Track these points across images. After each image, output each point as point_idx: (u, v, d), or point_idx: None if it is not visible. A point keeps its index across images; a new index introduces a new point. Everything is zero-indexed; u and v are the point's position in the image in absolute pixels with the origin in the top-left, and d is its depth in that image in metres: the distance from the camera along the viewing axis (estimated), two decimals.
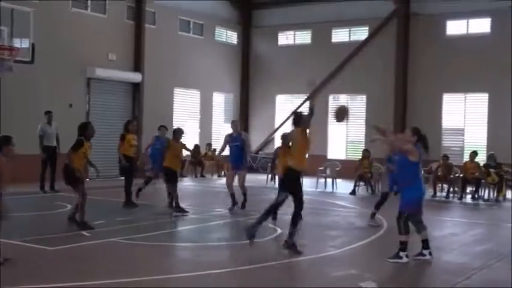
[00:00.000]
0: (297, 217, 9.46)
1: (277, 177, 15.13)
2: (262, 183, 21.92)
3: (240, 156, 14.06)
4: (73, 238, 10.12)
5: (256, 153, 28.84)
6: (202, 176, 24.68)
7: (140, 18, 24.15)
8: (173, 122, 25.86)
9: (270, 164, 23.86)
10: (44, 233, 10.45)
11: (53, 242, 9.62)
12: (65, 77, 21.45)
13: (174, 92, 26.21)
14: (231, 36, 29.51)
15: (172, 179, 13.87)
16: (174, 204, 13.76)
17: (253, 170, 27.81)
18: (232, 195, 14.14)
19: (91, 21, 22.58)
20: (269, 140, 29.19)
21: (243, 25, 29.68)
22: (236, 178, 14.17)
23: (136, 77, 23.93)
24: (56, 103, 19.81)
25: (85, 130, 11.20)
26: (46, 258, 8.79)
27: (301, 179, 9.62)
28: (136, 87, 24.16)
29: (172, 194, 13.82)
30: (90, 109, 22.55)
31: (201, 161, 25.23)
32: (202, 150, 26.01)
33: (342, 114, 9.85)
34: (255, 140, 29.51)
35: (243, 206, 14.17)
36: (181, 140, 14.32)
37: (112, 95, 23.44)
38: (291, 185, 9.50)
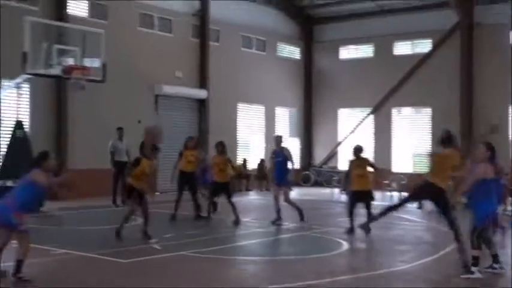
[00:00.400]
0: (457, 235, 8.92)
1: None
2: (327, 197, 21.74)
3: (282, 172, 13.88)
4: (145, 251, 10.26)
5: (320, 167, 28.67)
6: (267, 189, 24.66)
7: (204, 36, 24.50)
8: (237, 137, 26.10)
9: (333, 178, 23.73)
10: (118, 246, 10.63)
11: (126, 255, 9.78)
12: (133, 94, 21.94)
13: (238, 107, 26.39)
14: (293, 52, 29.54)
15: (220, 192, 14.23)
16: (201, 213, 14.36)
17: (317, 183, 27.69)
18: (278, 211, 13.89)
19: (158, 40, 23.05)
20: (332, 154, 28.97)
21: (304, 40, 29.67)
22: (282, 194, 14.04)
23: (201, 93, 24.24)
24: (125, 119, 20.23)
25: (142, 148, 11.32)
26: (119, 271, 8.93)
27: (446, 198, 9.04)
28: (201, 103, 24.47)
29: (209, 205, 14.39)
30: (158, 125, 22.86)
31: (265, 175, 25.21)
32: (267, 165, 25.98)
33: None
34: (318, 154, 29.38)
35: (301, 218, 13.96)
36: (225, 154, 14.48)
37: (179, 111, 23.80)
38: (441, 204, 9.07)
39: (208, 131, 24.34)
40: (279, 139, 14.28)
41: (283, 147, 14.12)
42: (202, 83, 24.43)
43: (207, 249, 10.45)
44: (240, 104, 26.46)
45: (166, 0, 23.18)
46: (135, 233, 11.37)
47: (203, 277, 8.56)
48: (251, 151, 27.03)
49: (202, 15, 24.43)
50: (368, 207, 12.58)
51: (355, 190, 12.65)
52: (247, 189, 24.47)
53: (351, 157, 12.90)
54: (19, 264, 7.75)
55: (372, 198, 12.69)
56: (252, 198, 21.25)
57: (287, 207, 14.15)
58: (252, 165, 25.95)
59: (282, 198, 13.95)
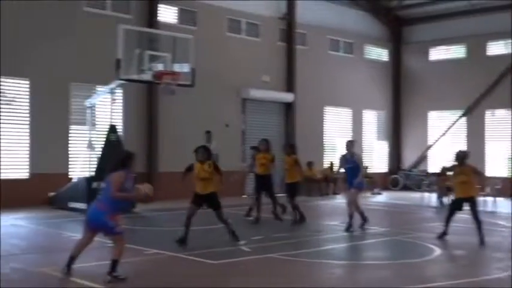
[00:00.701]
0: None
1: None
2: (416, 201, 21.23)
3: (354, 177, 13.45)
4: (234, 253, 10.36)
5: (409, 170, 28.06)
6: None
7: (291, 39, 24.54)
8: (323, 140, 25.97)
9: (423, 182, 23.16)
10: (207, 247, 10.79)
11: (216, 256, 9.91)
12: (221, 98, 22.27)
13: (325, 110, 26.25)
14: (381, 54, 29.09)
15: (290, 193, 14.27)
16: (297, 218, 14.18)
17: (406, 187, 27.11)
18: (350, 216, 13.49)
19: (245, 45, 23.30)
20: (422, 157, 28.28)
21: (393, 42, 29.14)
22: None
23: (288, 96, 24.29)
24: (213, 123, 20.56)
25: (196, 153, 11.10)
26: (209, 271, 9.06)
27: None
28: (288, 107, 24.51)
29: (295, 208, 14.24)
30: (246, 128, 23.19)
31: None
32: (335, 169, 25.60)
33: None
34: (408, 157, 28.76)
35: (362, 224, 13.53)
36: (294, 155, 14.58)
37: (266, 114, 23.96)
38: None
39: (294, 134, 24.36)
40: (350, 144, 13.86)
41: (354, 153, 13.69)
42: (289, 87, 24.47)
43: (296, 252, 10.44)
44: (326, 107, 26.31)
45: (254, 5, 23.40)
46: (224, 235, 11.50)
47: (292, 280, 8.54)
48: (338, 154, 26.73)
49: (289, 19, 24.49)
50: (475, 215, 11.99)
51: (458, 197, 12.21)
52: (334, 193, 24.26)
53: (453, 163, 12.39)
54: (114, 263, 8.00)
55: (475, 206, 12.10)
56: (339, 202, 21.01)
57: (371, 211, 13.85)
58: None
59: (359, 201, 13.72)
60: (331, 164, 25.00)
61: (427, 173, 26.33)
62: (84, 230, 8.27)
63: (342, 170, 13.90)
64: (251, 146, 16.26)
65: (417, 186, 25.94)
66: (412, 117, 28.72)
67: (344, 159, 13.72)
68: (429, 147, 27.95)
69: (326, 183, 24.50)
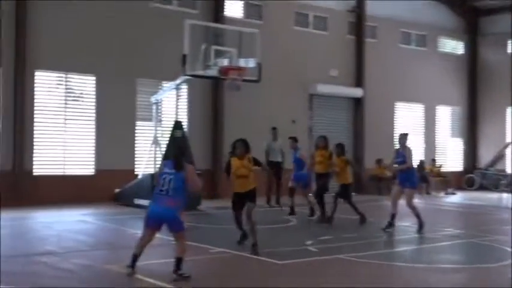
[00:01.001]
0: None
1: None
2: (494, 202, 20.67)
3: (405, 173, 13.02)
4: (300, 253, 10.37)
5: (486, 169, 27.33)
6: (427, 193, 23.88)
7: (361, 32, 24.31)
8: (394, 138, 25.58)
9: (501, 182, 22.56)
10: (273, 246, 10.84)
11: (281, 255, 9.95)
12: (288, 94, 22.30)
13: (396, 106, 25.89)
14: (455, 46, 28.42)
15: (343, 195, 14.14)
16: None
17: (482, 187, 26.43)
18: (393, 215, 13.15)
19: (313, 39, 23.23)
20: (500, 156, 27.48)
21: (469, 34, 28.41)
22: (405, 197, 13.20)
23: (357, 92, 24.08)
24: (279, 119, 20.62)
25: (233, 148, 10.51)
26: (274, 271, 9.11)
27: None
28: (357, 102, 24.31)
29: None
30: (312, 124, 23.15)
31: (425, 177, 24.46)
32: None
33: None
34: (484, 156, 28.01)
35: (420, 229, 13.03)
36: (344, 156, 14.37)
37: (333, 110, 23.85)
38: None
39: (363, 131, 24.14)
40: (402, 137, 13.38)
41: (406, 147, 13.20)
42: (358, 82, 24.26)
43: (365, 254, 10.34)
44: (397, 103, 25.93)
45: None
46: (290, 234, 11.54)
47: (361, 282, 8.48)
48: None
49: (358, 11, 24.26)
50: None
51: None
52: (428, 193, 23.90)
53: None
54: (179, 261, 8.13)
55: None
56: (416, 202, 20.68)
57: (445, 212, 13.55)
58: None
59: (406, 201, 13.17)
60: (421, 162, 24.54)
61: (506, 172, 25.59)
62: (145, 227, 8.33)
63: (395, 166, 13.48)
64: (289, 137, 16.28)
65: (494, 186, 25.26)
66: (489, 113, 27.95)
67: (396, 154, 13.39)
68: (507, 145, 27.12)
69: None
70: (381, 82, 24.90)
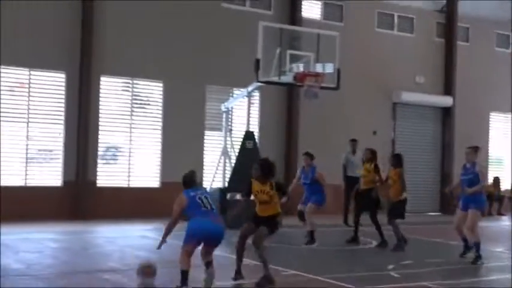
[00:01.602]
0: None
1: None
2: None
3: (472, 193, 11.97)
4: (382, 278, 10.20)
5: None
6: (500, 214, 23.13)
7: (451, 35, 23.87)
8: (489, 152, 24.92)
9: None
10: (351, 270, 10.74)
11: (361, 281, 9.82)
12: (368, 102, 22.12)
13: (491, 116, 25.25)
14: None
15: (392, 212, 13.46)
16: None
17: None
18: (464, 240, 12.30)
19: (398, 42, 22.98)
20: None
21: None
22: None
23: (446, 100, 23.63)
24: (359, 130, 20.46)
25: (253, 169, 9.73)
26: None
27: None
28: (446, 112, 23.85)
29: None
30: (395, 136, 22.85)
31: (500, 196, 23.70)
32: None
33: None
34: None
35: (475, 260, 11.92)
36: (400, 167, 13.55)
37: (419, 120, 23.49)
38: None
39: (453, 144, 23.62)
40: (470, 152, 12.34)
41: (475, 162, 12.23)
42: (447, 89, 23.80)
43: (453, 282, 10.10)
44: (492, 113, 25.29)
45: None
46: (369, 257, 11.40)
47: None
48: (505, 168, 25.65)
49: (448, 11, 23.83)
50: None
51: None
52: (500, 213, 23.23)
53: None
54: None
55: None
56: (505, 224, 20.11)
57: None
58: (506, 185, 24.59)
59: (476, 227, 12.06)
60: (496, 179, 23.94)
61: None
62: (193, 243, 8.48)
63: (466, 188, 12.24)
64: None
65: None
66: None
67: (463, 170, 12.42)
68: None
69: (489, 201, 23.43)
70: (473, 90, 24.33)
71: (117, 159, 18.84)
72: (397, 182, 13.46)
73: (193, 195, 8.73)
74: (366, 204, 13.98)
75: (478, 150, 12.47)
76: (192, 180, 9.05)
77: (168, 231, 8.75)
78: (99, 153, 18.16)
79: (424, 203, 23.01)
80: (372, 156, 14.14)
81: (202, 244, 8.51)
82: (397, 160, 13.71)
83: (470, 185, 12.01)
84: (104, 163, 18.33)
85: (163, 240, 8.74)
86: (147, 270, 7.14)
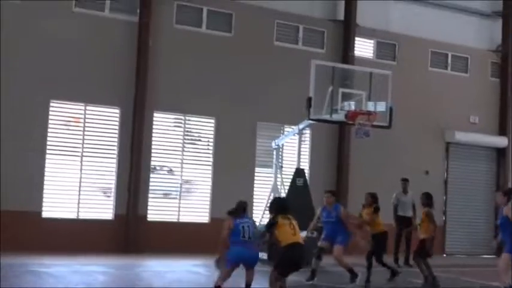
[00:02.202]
0: None
1: None
2: None
3: (505, 237, 11.07)
4: None
5: None
6: None
7: (507, 75, 23.48)
8: None
9: None
10: None
11: None
12: (421, 141, 21.81)
13: None
14: None
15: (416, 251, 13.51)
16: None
17: None
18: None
19: (451, 81, 22.69)
20: None
21: None
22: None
23: (501, 141, 23.17)
24: (411, 170, 20.13)
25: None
26: None
27: None
28: (501, 153, 23.37)
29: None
30: (448, 177, 22.43)
31: None
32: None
33: None
34: None
35: None
36: (429, 207, 13.48)
37: (473, 161, 23.03)
38: None
39: (507, 183, 23.07)
40: (499, 195, 11.66)
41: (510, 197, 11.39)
42: (502, 130, 23.35)
43: None
44: None
45: (462, 35, 22.79)
46: None
47: None
48: None
49: (503, 51, 23.49)
50: None
51: None
52: None
53: None
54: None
55: None
56: None
57: None
58: None
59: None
60: None
61: None
62: (231, 266, 10.17)
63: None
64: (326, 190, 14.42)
65: None
66: None
67: (497, 210, 12.19)
68: None
69: None
70: None
71: (168, 194, 18.94)
72: (425, 220, 13.38)
73: (238, 222, 10.31)
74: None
75: (508, 193, 11.63)
76: (241, 208, 10.62)
77: (220, 249, 10.40)
78: (150, 187, 18.27)
79: (478, 245, 22.44)
80: (372, 200, 13.89)
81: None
82: (427, 200, 13.62)
83: (506, 228, 11.10)
84: (154, 197, 18.42)
85: (221, 257, 10.31)
86: None
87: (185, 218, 18.67)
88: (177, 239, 17.83)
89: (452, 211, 22.24)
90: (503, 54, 23.51)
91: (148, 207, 18.17)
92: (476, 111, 23.12)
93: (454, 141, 22.40)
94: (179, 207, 18.64)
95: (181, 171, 18.73)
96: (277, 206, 10.01)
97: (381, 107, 16.14)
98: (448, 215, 22.22)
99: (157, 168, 18.57)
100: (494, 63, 23.62)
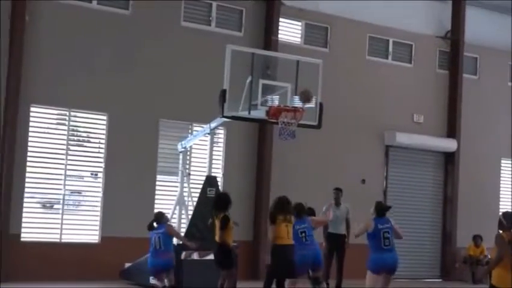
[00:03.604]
0: None
1: None
2: None
3: None
4: None
5: None
6: None
7: (457, 66, 24.13)
8: (499, 206, 25.06)
9: None
10: None
11: None
12: (357, 144, 22.16)
13: (502, 164, 25.54)
14: None
15: None
16: None
17: None
18: None
19: (392, 73, 23.16)
20: None
21: None
22: None
23: (449, 144, 23.82)
24: (345, 177, 20.44)
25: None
26: None
27: None
28: (449, 158, 24.02)
29: None
30: (387, 186, 22.88)
31: None
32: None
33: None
34: None
35: None
36: None
37: (417, 167, 23.59)
38: None
39: (456, 195, 23.74)
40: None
41: None
42: (451, 131, 24.02)
43: None
44: (504, 160, 25.53)
45: (405, 19, 23.30)
46: None
47: None
48: None
49: (454, 38, 24.15)
50: None
51: None
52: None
53: None
54: None
55: None
56: None
57: None
58: None
59: None
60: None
61: None
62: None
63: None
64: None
65: None
66: None
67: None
68: None
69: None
70: (483, 132, 24.57)
71: (49, 208, 18.60)
72: None
73: (152, 233, 14.02)
74: None
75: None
76: (157, 218, 14.40)
77: None
78: (25, 199, 17.88)
79: (421, 267, 23.00)
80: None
81: None
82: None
83: None
84: (30, 211, 18.03)
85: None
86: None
87: (69, 237, 18.34)
88: (59, 263, 17.50)
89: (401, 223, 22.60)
90: (453, 42, 24.13)
91: (23, 224, 17.75)
92: (421, 109, 23.66)
93: (395, 144, 22.86)
94: (61, 223, 18.27)
95: (65, 179, 18.38)
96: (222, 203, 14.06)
97: (310, 103, 16.29)
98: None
99: (35, 175, 18.17)
100: (442, 52, 24.22)
